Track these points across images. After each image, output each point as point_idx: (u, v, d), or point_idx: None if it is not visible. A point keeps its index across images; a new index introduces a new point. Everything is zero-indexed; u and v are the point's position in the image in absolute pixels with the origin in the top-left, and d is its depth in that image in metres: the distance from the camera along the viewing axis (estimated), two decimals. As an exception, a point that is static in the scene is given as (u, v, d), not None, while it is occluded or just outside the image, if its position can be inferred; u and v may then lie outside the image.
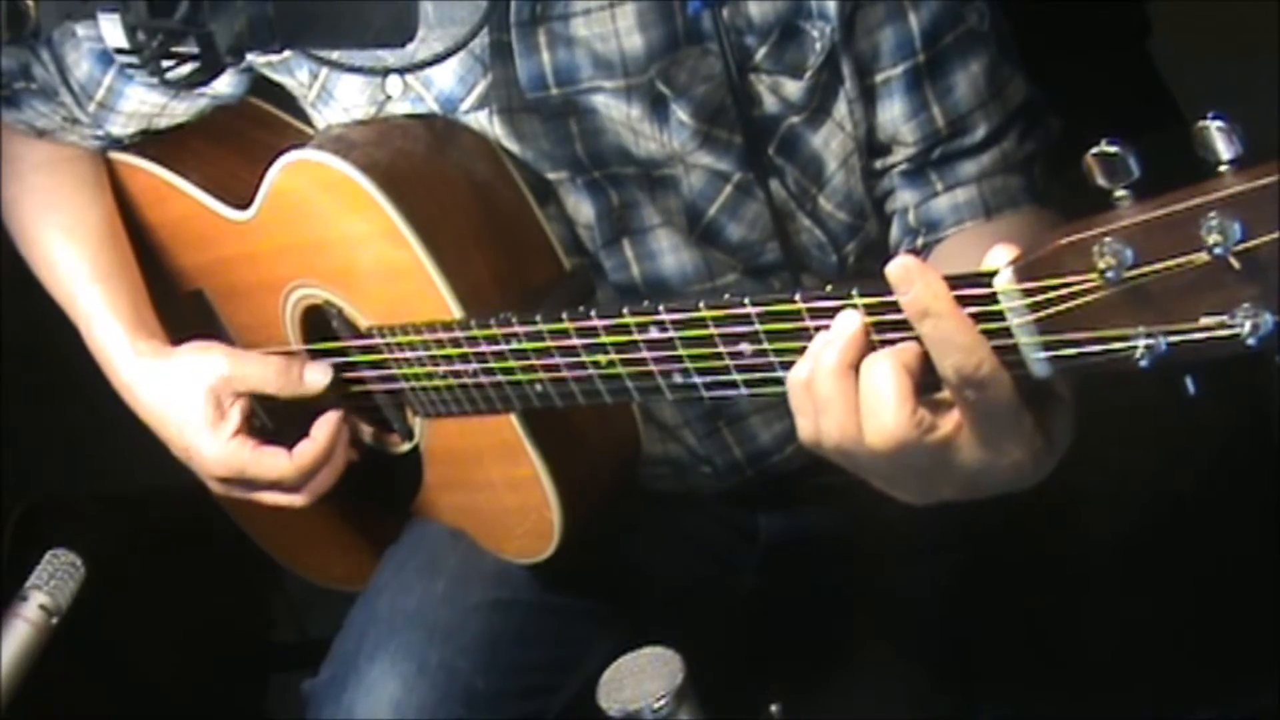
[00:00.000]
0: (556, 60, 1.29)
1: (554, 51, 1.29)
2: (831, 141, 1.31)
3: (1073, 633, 1.45)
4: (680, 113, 1.29)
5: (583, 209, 1.35)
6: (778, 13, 1.26)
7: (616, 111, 1.30)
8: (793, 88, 1.28)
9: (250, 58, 1.34)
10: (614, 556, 1.51)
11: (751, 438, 1.45)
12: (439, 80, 1.34)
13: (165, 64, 1.01)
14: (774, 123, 1.30)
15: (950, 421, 0.90)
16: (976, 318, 0.86)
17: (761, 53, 1.27)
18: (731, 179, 1.32)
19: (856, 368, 0.91)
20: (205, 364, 1.42)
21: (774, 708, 1.12)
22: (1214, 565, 1.46)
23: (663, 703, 0.97)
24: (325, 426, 1.40)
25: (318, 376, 1.40)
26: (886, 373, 0.89)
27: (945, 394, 0.91)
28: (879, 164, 1.32)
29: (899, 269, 0.88)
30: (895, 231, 1.34)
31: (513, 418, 1.29)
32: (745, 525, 1.55)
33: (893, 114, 1.29)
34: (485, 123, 1.34)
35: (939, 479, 0.93)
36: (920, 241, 1.31)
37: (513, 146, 1.34)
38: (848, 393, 0.91)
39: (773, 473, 1.47)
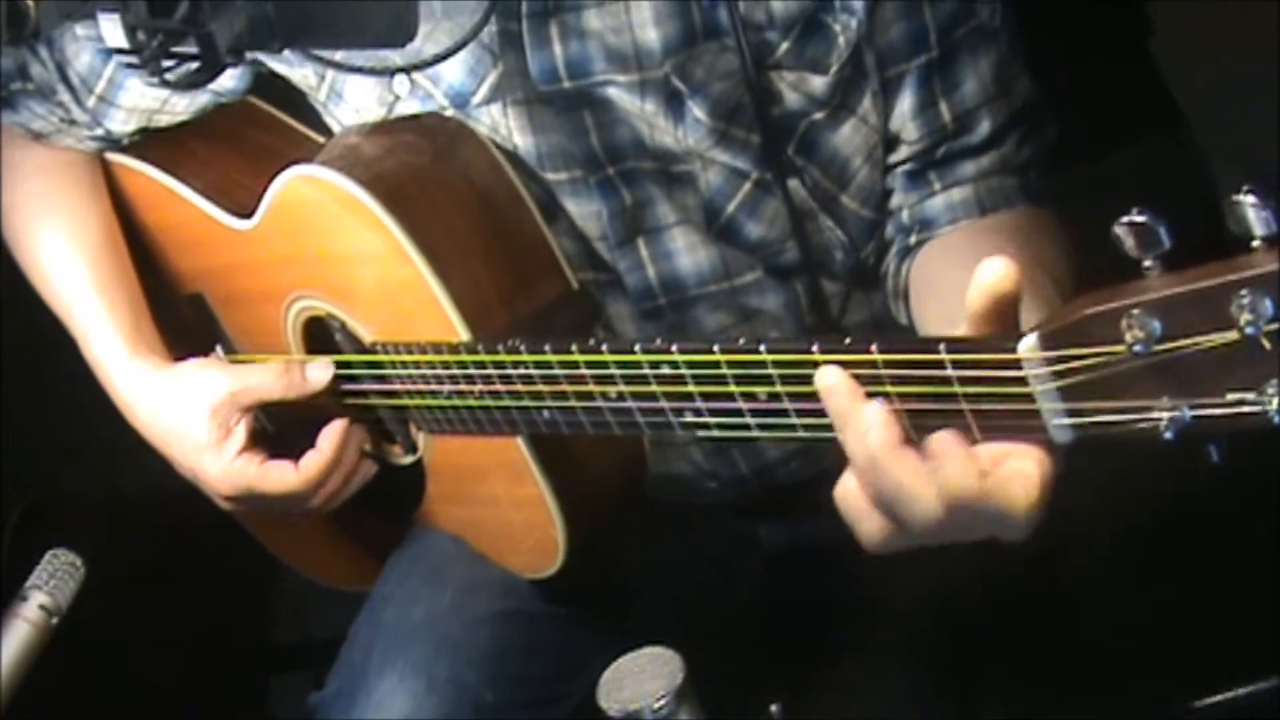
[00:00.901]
0: (568, 52, 1.28)
1: (566, 44, 1.27)
2: (855, 137, 1.30)
3: (1073, 636, 1.45)
4: (696, 109, 1.27)
5: (595, 211, 1.33)
6: (801, 7, 1.25)
7: (631, 105, 1.29)
8: (817, 83, 1.27)
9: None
10: (617, 566, 1.51)
11: (758, 452, 1.45)
12: (447, 75, 1.32)
13: (165, 64, 1.01)
14: (794, 120, 1.29)
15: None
16: (999, 381, 0.86)
17: (783, 48, 1.26)
18: (750, 177, 1.31)
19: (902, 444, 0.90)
20: (206, 381, 1.39)
21: (774, 708, 1.11)
22: (1214, 567, 1.46)
23: (663, 703, 0.97)
24: (330, 437, 1.38)
25: (320, 373, 1.37)
26: (947, 436, 0.89)
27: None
28: (885, 160, 1.32)
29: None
30: (889, 229, 1.34)
31: (518, 438, 1.28)
32: (747, 534, 1.55)
33: (902, 109, 1.29)
34: (499, 116, 1.32)
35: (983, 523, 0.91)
36: (914, 239, 1.32)
37: (527, 140, 1.32)
38: (918, 465, 0.89)
39: (776, 484, 1.47)
